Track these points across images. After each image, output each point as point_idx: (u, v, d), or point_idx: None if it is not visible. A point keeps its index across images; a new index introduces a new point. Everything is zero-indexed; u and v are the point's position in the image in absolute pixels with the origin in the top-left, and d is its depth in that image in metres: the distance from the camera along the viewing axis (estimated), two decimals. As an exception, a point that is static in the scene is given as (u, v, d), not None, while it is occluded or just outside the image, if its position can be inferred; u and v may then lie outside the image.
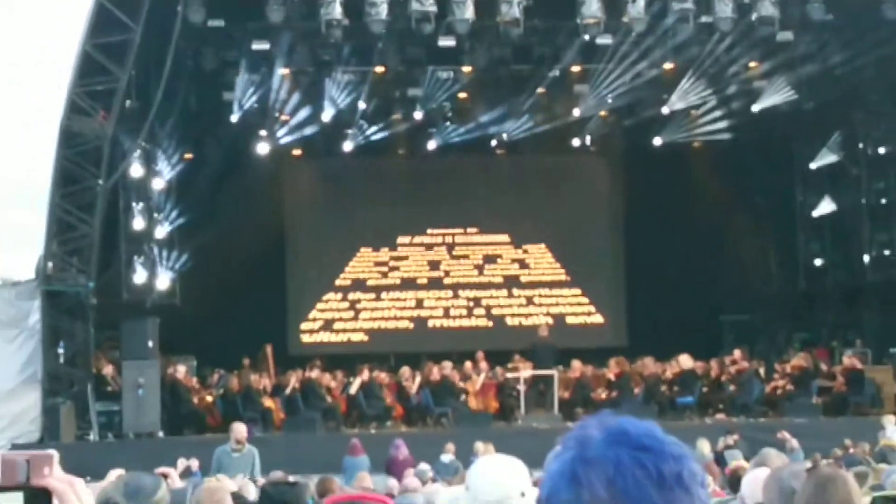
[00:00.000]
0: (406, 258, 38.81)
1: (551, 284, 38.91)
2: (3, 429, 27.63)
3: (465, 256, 38.93)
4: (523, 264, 39.08)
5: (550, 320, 37.37)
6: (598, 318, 38.72)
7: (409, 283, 38.62)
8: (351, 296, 38.36)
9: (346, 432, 28.91)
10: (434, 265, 38.79)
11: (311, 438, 27.82)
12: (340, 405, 30.65)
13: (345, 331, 38.16)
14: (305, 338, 37.99)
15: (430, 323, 38.40)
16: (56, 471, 2.78)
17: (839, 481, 5.69)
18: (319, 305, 38.20)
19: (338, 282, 38.34)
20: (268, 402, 30.35)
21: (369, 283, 38.50)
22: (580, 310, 38.79)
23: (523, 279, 38.98)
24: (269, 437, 28.93)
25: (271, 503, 7.18)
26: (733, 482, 10.31)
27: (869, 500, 6.65)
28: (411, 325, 38.32)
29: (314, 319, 38.15)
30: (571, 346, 34.37)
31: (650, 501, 2.22)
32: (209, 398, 31.05)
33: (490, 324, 38.43)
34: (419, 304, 38.48)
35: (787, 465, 8.16)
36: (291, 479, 10.53)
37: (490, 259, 38.98)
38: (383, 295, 38.48)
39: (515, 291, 38.87)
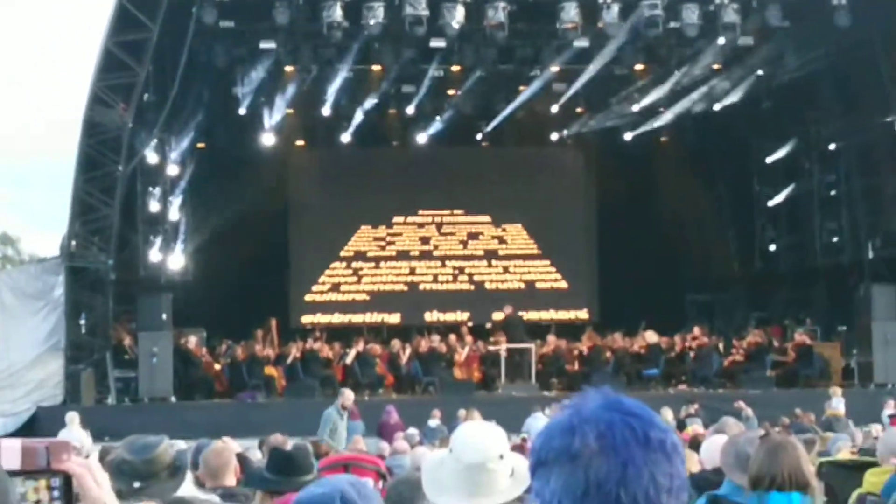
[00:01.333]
0: (401, 234, 39.36)
1: (525, 257, 39.53)
2: (29, 392, 27.66)
3: (452, 234, 39.54)
4: (502, 240, 39.69)
5: (523, 285, 38.85)
6: (563, 284, 39.28)
7: (403, 255, 39.21)
8: (354, 264, 38.97)
9: (341, 399, 28.92)
10: (425, 240, 39.41)
11: (309, 404, 27.68)
12: (337, 374, 30.66)
13: (349, 292, 38.72)
14: (316, 297, 38.47)
15: (422, 287, 39.03)
16: (78, 458, 2.77)
17: (789, 447, 5.70)
18: (327, 272, 38.66)
19: (342, 253, 38.81)
20: (270, 371, 30.38)
21: (369, 254, 39.10)
22: (548, 277, 39.33)
23: (501, 252, 39.61)
24: (271, 403, 28.99)
25: (284, 463, 7.16)
26: (692, 447, 10.34)
27: (816, 465, 6.66)
28: (405, 288, 38.94)
29: (323, 283, 38.64)
30: (541, 307, 37.51)
31: (633, 458, 2.26)
32: (217, 366, 31.07)
33: (472, 287, 39.12)
34: (412, 271, 39.13)
35: (743, 432, 8.18)
36: (291, 441, 10.52)
37: (473, 236, 39.57)
38: (381, 264, 39.10)
39: (494, 262, 39.52)
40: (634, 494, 2.26)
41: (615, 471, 2.26)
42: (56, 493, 2.77)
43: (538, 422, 22.73)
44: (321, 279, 38.61)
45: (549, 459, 2.32)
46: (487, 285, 39.12)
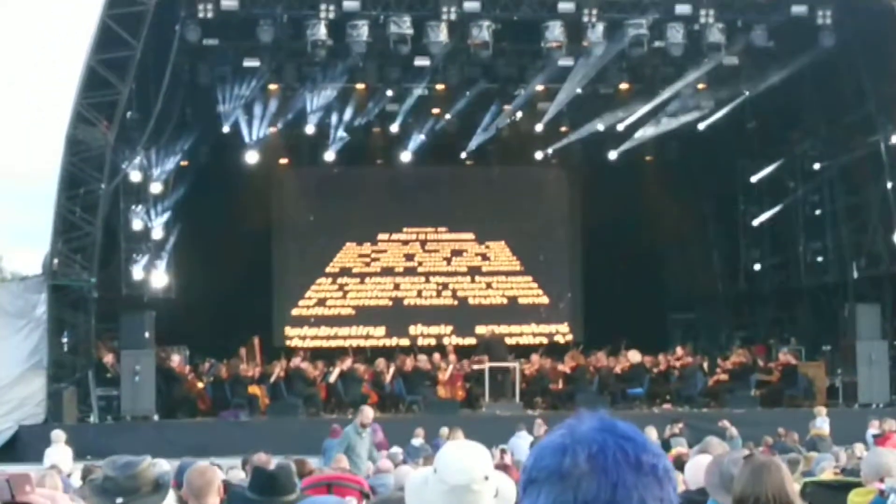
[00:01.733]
0: (385, 251, 39.61)
1: (507, 273, 39.82)
2: (11, 410, 27.56)
3: (436, 251, 39.83)
4: (485, 257, 39.98)
5: (505, 301, 39.37)
6: (544, 300, 39.62)
7: (387, 271, 39.48)
8: (339, 280, 39.21)
9: (325, 417, 28.85)
10: (409, 257, 39.71)
11: (293, 422, 27.75)
12: (320, 392, 30.61)
13: (335, 306, 38.97)
14: (303, 311, 38.70)
15: (406, 302, 39.32)
16: (42, 489, 2.78)
17: (773, 468, 5.71)
18: (313, 287, 38.87)
19: (328, 269, 39.04)
20: (254, 389, 30.32)
21: (354, 270, 39.38)
22: (530, 294, 39.66)
23: (484, 269, 39.90)
24: (255, 421, 28.93)
25: (266, 482, 7.16)
26: (677, 467, 10.33)
27: (800, 486, 6.68)
28: (390, 303, 39.23)
29: (309, 298, 38.84)
30: (522, 323, 38.49)
31: (624, 480, 2.26)
32: (200, 385, 31.01)
33: (455, 303, 39.45)
34: (396, 287, 39.41)
35: (728, 452, 8.18)
36: (274, 460, 10.51)
37: (457, 253, 39.86)
38: (366, 280, 39.36)
39: (477, 278, 39.81)
40: (623, 516, 2.27)
41: (604, 492, 2.27)
42: None
43: (522, 441, 22.73)
44: (307, 294, 38.79)
45: (540, 478, 2.33)
46: (471, 301, 39.40)
